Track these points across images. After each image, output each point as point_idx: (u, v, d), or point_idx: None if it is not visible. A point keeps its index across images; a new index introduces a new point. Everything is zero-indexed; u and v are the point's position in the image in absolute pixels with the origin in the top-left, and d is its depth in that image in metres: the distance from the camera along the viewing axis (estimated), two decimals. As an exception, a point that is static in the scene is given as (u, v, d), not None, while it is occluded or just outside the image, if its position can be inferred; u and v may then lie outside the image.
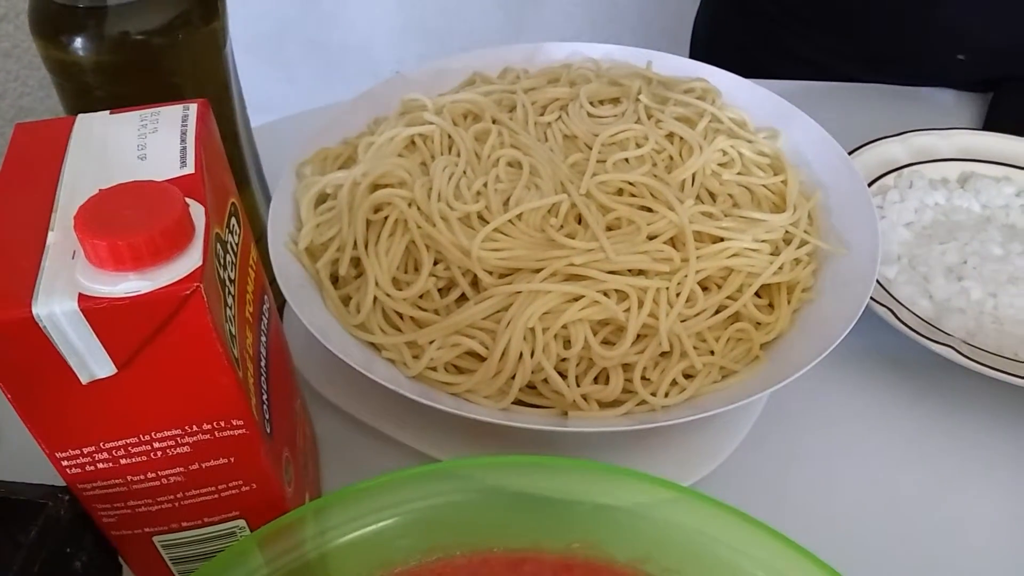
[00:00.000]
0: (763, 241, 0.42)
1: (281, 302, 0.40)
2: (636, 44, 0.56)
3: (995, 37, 0.65)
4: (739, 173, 0.46)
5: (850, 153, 0.53)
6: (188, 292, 0.23)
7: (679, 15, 0.87)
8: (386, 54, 1.70)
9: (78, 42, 0.35)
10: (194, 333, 0.24)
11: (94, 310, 0.23)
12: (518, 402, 0.39)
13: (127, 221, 0.23)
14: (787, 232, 0.44)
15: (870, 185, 0.54)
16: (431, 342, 0.39)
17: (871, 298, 0.44)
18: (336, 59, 1.69)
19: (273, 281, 0.39)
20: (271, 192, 0.45)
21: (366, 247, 0.41)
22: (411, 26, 1.72)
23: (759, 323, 0.41)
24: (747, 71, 0.54)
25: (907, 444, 0.44)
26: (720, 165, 0.46)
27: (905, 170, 0.55)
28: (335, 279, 0.42)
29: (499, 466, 0.33)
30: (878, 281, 0.47)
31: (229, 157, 0.32)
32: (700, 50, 0.85)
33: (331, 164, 0.47)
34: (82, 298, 0.23)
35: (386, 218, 0.42)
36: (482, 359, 0.39)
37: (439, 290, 0.41)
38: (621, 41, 0.56)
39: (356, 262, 0.42)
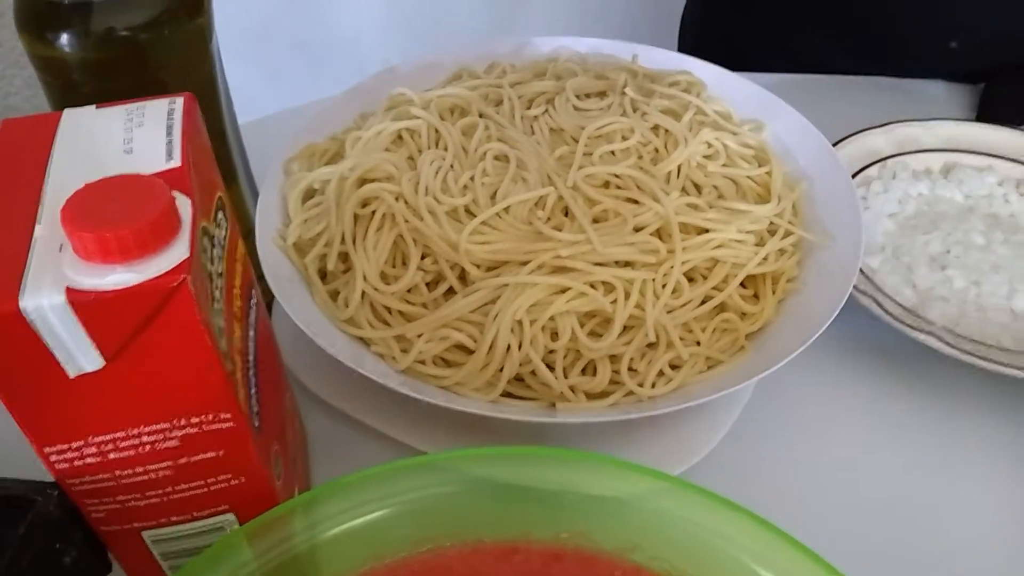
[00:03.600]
0: (748, 232, 0.43)
1: (270, 298, 0.40)
2: (623, 40, 0.56)
3: (988, 25, 0.65)
4: (724, 165, 0.46)
5: (834, 144, 0.53)
6: (175, 284, 0.23)
7: (665, 11, 0.88)
8: (372, 51, 1.69)
9: (64, 38, 0.35)
10: (182, 325, 0.24)
11: (82, 303, 0.23)
12: (507, 394, 0.39)
13: (114, 214, 0.23)
14: (772, 223, 0.44)
15: (854, 176, 0.54)
16: (419, 336, 0.39)
17: (855, 288, 0.44)
18: (322, 56, 1.68)
19: (261, 277, 0.39)
20: (259, 188, 0.45)
21: (354, 242, 0.41)
22: (397, 22, 1.71)
23: (744, 313, 0.41)
24: (735, 61, 0.54)
25: (893, 431, 0.44)
26: (705, 157, 0.46)
27: (889, 161, 0.55)
28: (323, 274, 0.42)
29: (488, 457, 0.33)
30: (862, 271, 0.47)
31: (216, 153, 0.32)
32: (688, 39, 0.85)
33: (318, 159, 0.47)
34: (69, 291, 0.23)
35: (373, 212, 0.42)
36: (470, 352, 0.39)
37: (427, 284, 0.41)
38: (608, 37, 0.56)
39: (344, 257, 0.42)
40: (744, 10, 0.76)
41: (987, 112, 0.63)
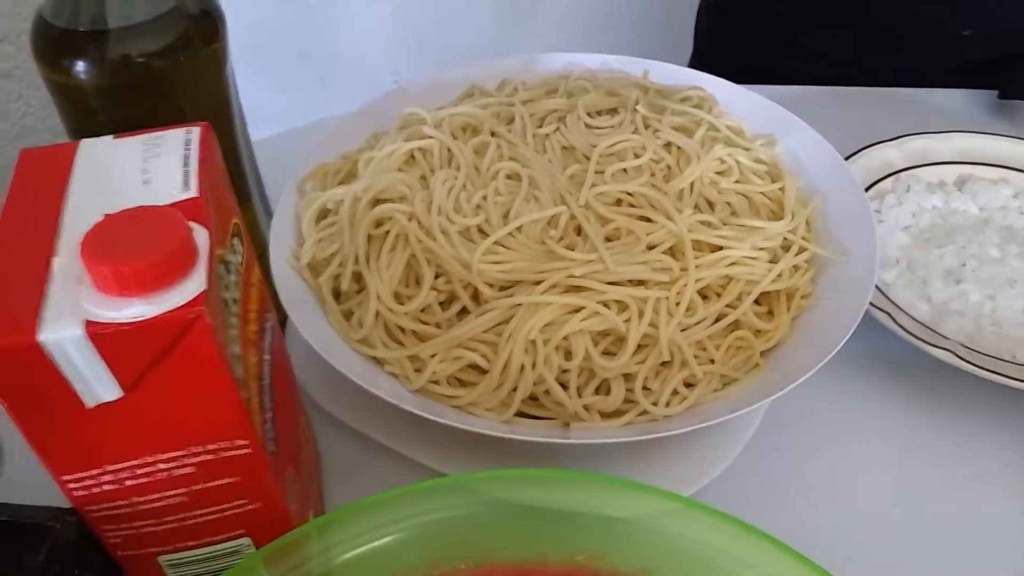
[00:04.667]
0: (761, 249, 0.43)
1: (283, 318, 0.40)
2: (630, 54, 0.56)
3: (1003, 13, 0.65)
4: (737, 181, 0.46)
5: (847, 158, 0.53)
6: (193, 317, 0.24)
7: (672, 25, 0.88)
8: (380, 65, 1.70)
9: (80, 66, 0.35)
10: (198, 356, 0.24)
11: (100, 335, 0.23)
12: (520, 414, 0.39)
13: (131, 247, 0.24)
14: (785, 239, 0.44)
15: (868, 189, 0.54)
16: (433, 356, 0.39)
17: (870, 303, 0.44)
18: (330, 70, 1.69)
19: (275, 297, 0.40)
20: (272, 207, 0.46)
21: (367, 262, 0.42)
22: (405, 37, 1.72)
23: (759, 331, 0.41)
24: (751, 66, 0.54)
25: (908, 448, 0.44)
26: (718, 173, 0.46)
27: (902, 174, 0.55)
28: (337, 294, 0.43)
29: (503, 479, 0.33)
30: (877, 286, 0.47)
31: (230, 174, 0.32)
32: (703, 41, 0.85)
33: (331, 179, 0.47)
34: (88, 324, 0.23)
35: (387, 233, 0.42)
36: (484, 372, 0.39)
37: (440, 304, 0.41)
38: (615, 51, 0.56)
39: (358, 277, 0.42)
40: (758, 10, 0.76)
41: (1008, 89, 0.63)
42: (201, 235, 0.26)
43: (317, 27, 1.70)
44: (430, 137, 0.46)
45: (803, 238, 0.44)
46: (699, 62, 0.79)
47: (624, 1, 1.55)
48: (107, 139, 0.29)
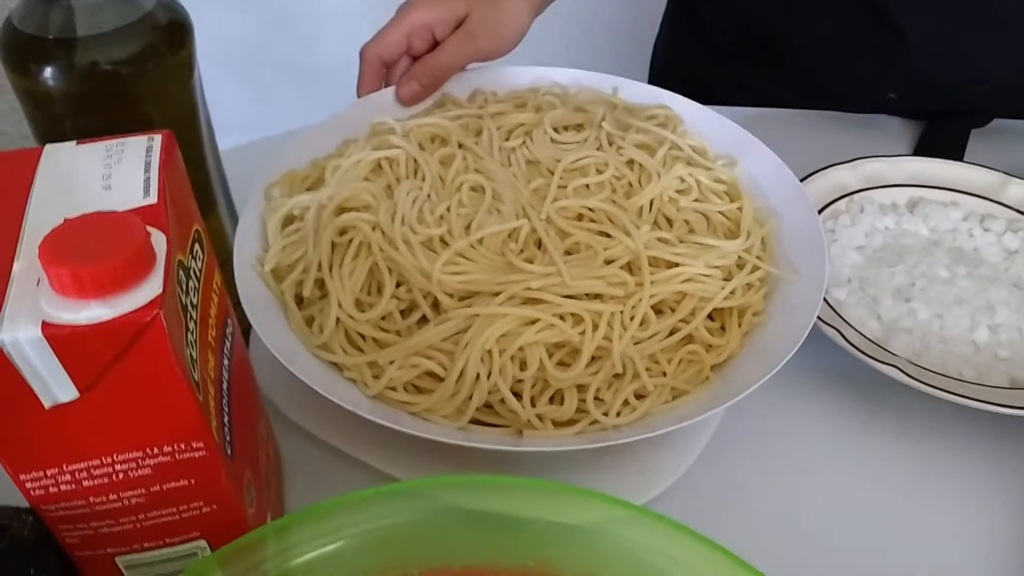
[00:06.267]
0: (716, 267, 0.44)
1: (247, 325, 0.41)
2: (609, 69, 0.57)
3: (922, 80, 0.67)
4: (696, 200, 0.47)
5: (803, 179, 0.55)
6: (148, 319, 0.24)
7: (648, 44, 0.89)
8: (361, 74, 1.71)
9: (48, 72, 0.36)
10: (154, 358, 0.25)
11: (57, 336, 0.24)
12: (476, 421, 0.40)
13: (90, 250, 0.24)
14: (740, 258, 0.45)
15: (823, 209, 0.55)
16: (391, 362, 0.40)
17: (821, 319, 0.45)
18: (311, 81, 1.70)
19: (238, 304, 0.40)
20: (239, 215, 0.46)
21: (330, 269, 0.42)
22: (385, 47, 1.73)
23: (710, 345, 0.43)
24: (700, 98, 0.55)
25: (857, 460, 0.45)
26: (678, 192, 0.47)
27: (856, 195, 0.57)
28: (300, 300, 0.43)
29: (455, 485, 0.34)
30: (829, 303, 0.48)
31: (196, 182, 0.33)
32: (656, 76, 0.87)
33: (299, 186, 0.48)
34: (45, 325, 0.24)
35: (351, 241, 0.43)
36: (440, 379, 0.40)
37: (401, 312, 0.42)
38: (594, 66, 0.57)
39: (320, 284, 0.43)
40: (708, 47, 0.78)
41: (922, 151, 0.65)
42: (159, 240, 0.26)
43: (299, 39, 1.70)
44: (397, 147, 0.47)
45: (757, 257, 0.46)
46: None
47: (605, 18, 1.57)
48: (70, 145, 0.30)
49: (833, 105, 0.70)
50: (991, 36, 0.65)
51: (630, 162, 0.48)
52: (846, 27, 0.67)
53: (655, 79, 0.86)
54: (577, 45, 1.65)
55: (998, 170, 0.58)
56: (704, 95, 0.56)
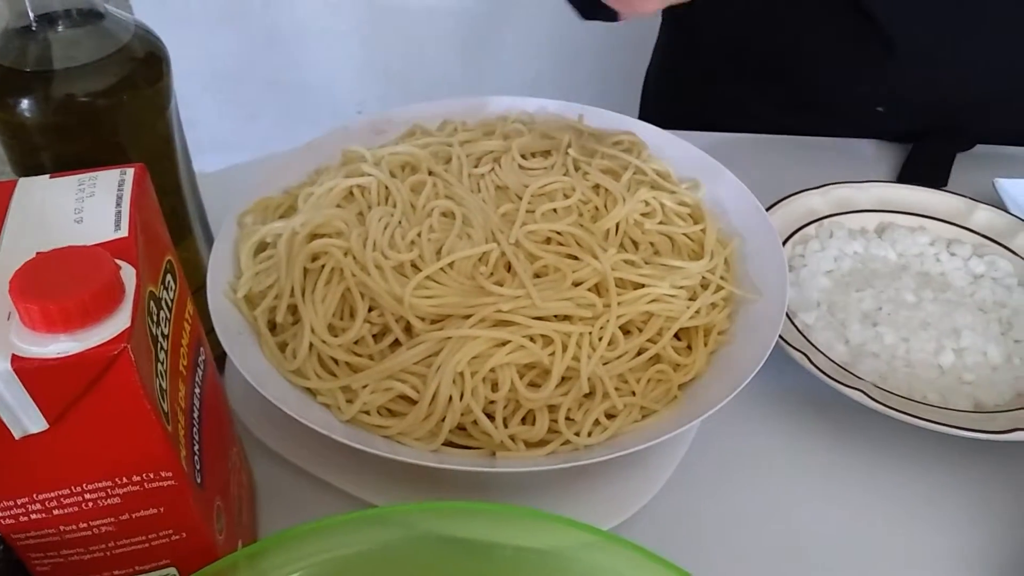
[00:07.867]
0: (681, 287, 0.45)
1: (220, 352, 0.41)
2: (593, 94, 0.58)
3: (911, 93, 0.69)
4: (660, 222, 0.48)
5: (774, 204, 0.56)
6: (116, 352, 0.25)
7: (636, 68, 0.91)
8: (348, 95, 1.72)
9: (24, 104, 0.36)
10: (122, 391, 0.26)
11: (26, 370, 0.24)
12: (449, 443, 0.41)
13: (59, 285, 0.25)
14: (704, 278, 0.46)
15: (793, 234, 0.56)
16: (364, 386, 0.41)
17: (789, 343, 0.46)
18: (298, 99, 1.71)
19: (212, 331, 0.41)
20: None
21: (303, 295, 0.43)
22: (373, 69, 1.75)
23: (678, 364, 0.43)
24: (695, 123, 0.56)
25: (824, 482, 0.46)
26: (642, 215, 0.48)
27: (825, 221, 0.58)
28: (273, 326, 0.44)
29: (426, 511, 0.34)
30: (797, 327, 0.49)
31: (171, 209, 0.34)
32: (649, 103, 0.89)
33: (272, 213, 0.49)
34: (15, 358, 0.24)
35: (323, 267, 0.44)
36: (414, 402, 0.40)
37: (373, 336, 0.43)
38: (578, 90, 0.59)
39: (293, 309, 0.43)
40: (702, 71, 0.80)
41: (907, 174, 0.67)
42: (129, 274, 0.27)
43: (287, 58, 1.72)
44: (368, 175, 0.48)
45: (721, 277, 0.47)
46: (646, 114, 0.83)
47: (589, 43, 1.59)
48: (44, 179, 0.31)
49: (824, 121, 0.71)
50: (979, 49, 0.66)
51: (596, 187, 0.49)
52: (836, 38, 0.69)
53: (647, 107, 0.88)
54: (564, 66, 1.67)
55: (965, 196, 0.59)
56: (699, 120, 0.57)
